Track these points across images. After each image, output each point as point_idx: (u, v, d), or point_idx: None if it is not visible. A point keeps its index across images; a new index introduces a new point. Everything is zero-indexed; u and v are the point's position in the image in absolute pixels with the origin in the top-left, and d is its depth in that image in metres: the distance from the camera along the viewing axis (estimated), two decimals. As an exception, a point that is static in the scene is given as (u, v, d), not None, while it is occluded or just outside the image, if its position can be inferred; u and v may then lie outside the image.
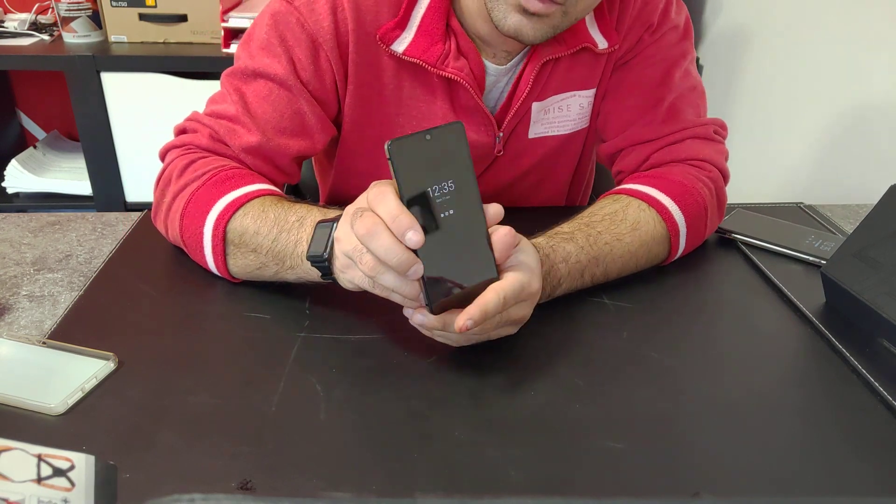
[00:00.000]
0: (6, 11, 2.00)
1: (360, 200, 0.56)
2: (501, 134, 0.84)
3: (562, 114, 0.86)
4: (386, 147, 0.52)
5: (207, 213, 0.69)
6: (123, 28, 1.81)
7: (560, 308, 0.68)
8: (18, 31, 1.88)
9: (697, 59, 1.74)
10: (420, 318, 0.57)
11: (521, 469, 0.51)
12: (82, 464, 0.35)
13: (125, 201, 1.89)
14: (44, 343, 0.61)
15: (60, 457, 0.34)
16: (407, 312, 0.58)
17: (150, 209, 0.78)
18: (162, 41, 1.82)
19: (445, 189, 0.54)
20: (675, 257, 0.78)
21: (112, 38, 1.83)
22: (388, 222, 0.52)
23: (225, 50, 1.74)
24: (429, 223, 0.53)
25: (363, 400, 0.57)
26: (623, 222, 0.73)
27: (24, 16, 1.95)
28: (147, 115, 1.77)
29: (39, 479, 0.33)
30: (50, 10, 1.95)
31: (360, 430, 0.54)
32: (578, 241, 0.69)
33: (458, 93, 0.79)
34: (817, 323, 0.68)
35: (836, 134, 1.23)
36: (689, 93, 0.84)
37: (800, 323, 0.69)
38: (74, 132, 2.05)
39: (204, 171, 0.71)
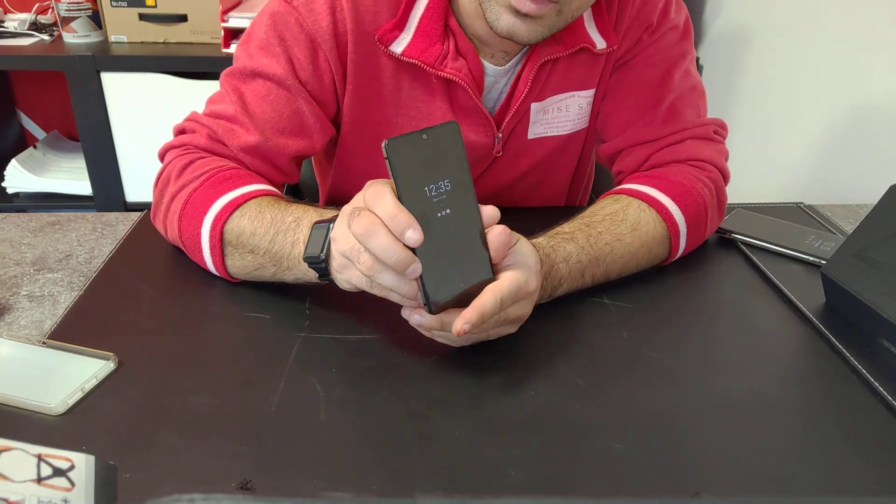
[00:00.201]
0: (6, 11, 2.00)
1: (357, 200, 0.56)
2: (500, 135, 0.84)
3: (561, 114, 0.86)
4: (383, 146, 0.52)
5: (205, 214, 0.69)
6: (123, 28, 1.81)
7: (560, 308, 0.68)
8: (18, 31, 1.88)
9: (697, 59, 1.74)
10: (418, 318, 0.57)
11: (521, 469, 0.51)
12: (82, 464, 0.35)
13: (125, 201, 1.89)
14: (44, 343, 0.61)
15: (60, 457, 0.34)
16: (405, 313, 0.58)
17: (149, 209, 0.78)
18: (162, 41, 1.82)
19: (442, 188, 0.54)
20: (676, 257, 0.78)
21: (112, 38, 1.83)
22: (387, 221, 0.52)
23: (225, 50, 1.74)
24: (426, 223, 0.52)
25: (363, 400, 0.57)
26: (623, 222, 0.73)
27: (24, 16, 1.95)
28: (147, 115, 1.77)
29: (39, 479, 0.33)
30: (50, 10, 1.95)
31: (360, 430, 0.54)
32: (579, 242, 0.69)
33: (457, 93, 0.79)
34: (817, 323, 0.68)
35: (836, 134, 1.23)
36: (689, 93, 0.84)
37: (800, 323, 0.69)
38: (74, 132, 2.05)
39: (202, 172, 0.71)
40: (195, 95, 1.73)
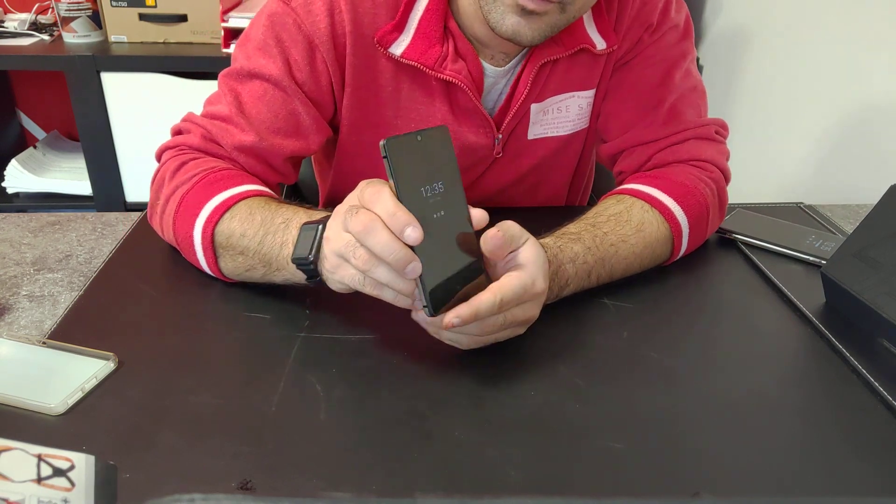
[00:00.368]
0: (6, 11, 2.00)
1: (351, 199, 0.56)
2: (500, 136, 0.84)
3: (561, 115, 0.85)
4: (381, 145, 0.51)
5: (196, 216, 0.69)
6: (123, 28, 1.81)
7: (560, 308, 0.68)
8: (18, 31, 1.88)
9: (697, 59, 1.74)
10: (424, 316, 0.57)
11: (521, 469, 0.51)
12: (82, 464, 0.35)
13: (125, 201, 1.89)
14: (44, 343, 0.61)
15: (60, 457, 0.34)
16: (416, 316, 0.57)
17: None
18: (162, 41, 1.82)
19: (437, 190, 0.54)
20: (677, 257, 0.78)
21: (112, 38, 1.83)
22: (386, 219, 0.52)
23: (225, 50, 1.74)
24: (423, 223, 0.52)
25: (363, 400, 0.57)
26: (628, 223, 0.73)
27: (24, 16, 1.95)
28: (147, 115, 1.77)
29: (39, 479, 0.33)
30: (50, 10, 1.95)
31: (360, 430, 0.54)
32: (586, 242, 0.69)
33: (457, 95, 0.79)
34: (817, 323, 0.68)
35: (836, 134, 1.23)
36: (690, 93, 0.84)
37: (800, 323, 0.69)
38: (74, 132, 2.05)
39: (194, 174, 0.71)
40: (195, 95, 1.73)
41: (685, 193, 0.77)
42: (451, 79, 0.76)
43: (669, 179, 0.78)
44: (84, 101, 1.76)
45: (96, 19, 1.83)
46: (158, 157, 0.78)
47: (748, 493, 0.50)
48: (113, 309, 0.68)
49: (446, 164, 0.55)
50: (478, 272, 0.56)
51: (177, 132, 0.78)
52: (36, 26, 1.93)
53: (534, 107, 0.83)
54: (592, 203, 0.80)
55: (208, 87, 1.74)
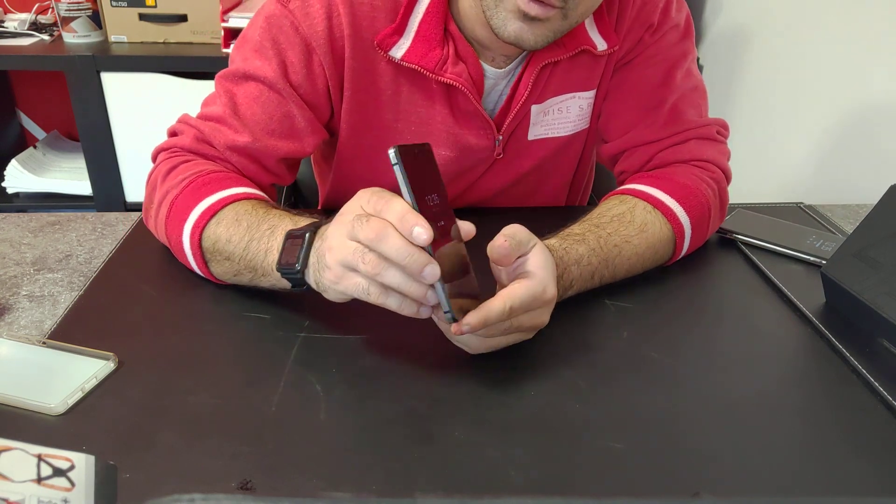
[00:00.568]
0: (6, 11, 2.00)
1: (353, 208, 0.55)
2: (501, 137, 0.83)
3: (561, 115, 0.85)
4: (392, 152, 0.52)
5: (185, 221, 0.69)
6: (123, 28, 1.81)
7: (561, 309, 0.68)
8: (18, 31, 1.88)
9: (697, 59, 1.74)
10: (430, 313, 0.56)
11: (521, 469, 0.51)
12: (82, 464, 0.35)
13: (125, 201, 1.89)
14: (44, 343, 0.61)
15: (60, 457, 0.34)
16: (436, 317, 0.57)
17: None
18: (162, 41, 1.82)
19: (435, 200, 0.54)
20: (678, 258, 0.78)
21: (112, 38, 1.83)
22: (397, 223, 0.51)
23: (225, 50, 1.74)
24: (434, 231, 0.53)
25: (363, 400, 0.57)
26: (631, 224, 0.73)
27: (24, 16, 1.95)
28: (147, 115, 1.77)
29: (39, 479, 0.33)
30: (50, 10, 1.95)
31: (360, 430, 0.54)
32: (590, 243, 0.69)
33: (457, 98, 0.79)
34: (817, 323, 0.68)
35: (836, 134, 1.23)
36: (691, 93, 0.84)
37: (800, 323, 0.69)
38: (74, 132, 2.05)
39: (184, 177, 0.71)
40: (195, 95, 1.73)
41: (687, 194, 0.77)
42: (451, 82, 0.76)
43: (672, 180, 0.78)
44: (84, 101, 1.76)
45: (96, 19, 1.83)
46: (154, 159, 0.78)
47: (748, 493, 0.50)
48: (113, 309, 0.68)
49: (437, 176, 0.56)
50: (473, 283, 0.57)
51: (171, 133, 0.79)
52: (36, 26, 1.93)
53: (534, 108, 0.83)
54: (592, 203, 0.80)
55: (208, 87, 1.73)
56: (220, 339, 0.65)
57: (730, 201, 0.83)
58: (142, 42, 1.82)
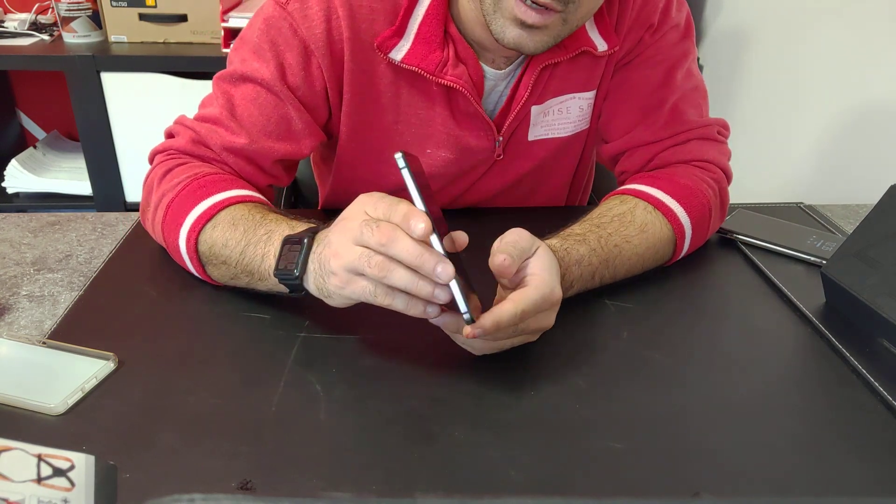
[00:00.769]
0: (6, 11, 1.99)
1: (355, 213, 0.55)
2: (501, 138, 0.83)
3: (561, 116, 0.85)
4: (399, 156, 0.52)
5: (181, 225, 0.69)
6: (123, 28, 1.81)
7: (561, 309, 0.68)
8: (18, 31, 1.88)
9: (698, 59, 1.74)
10: (444, 318, 0.56)
11: (521, 469, 0.51)
12: (82, 464, 0.35)
13: (125, 201, 1.89)
14: (44, 343, 0.61)
15: (60, 457, 0.34)
16: (436, 319, 0.57)
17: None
18: (162, 41, 1.82)
19: (434, 208, 0.55)
20: (678, 258, 0.78)
21: (112, 38, 1.83)
22: (404, 224, 0.52)
23: (225, 50, 1.74)
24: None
25: (363, 400, 0.57)
26: (631, 224, 0.73)
27: (24, 16, 1.95)
28: (147, 115, 1.77)
29: (39, 479, 0.33)
30: (50, 10, 1.95)
31: (360, 430, 0.54)
32: (591, 243, 0.69)
33: (457, 99, 0.79)
34: (817, 323, 0.68)
35: (836, 134, 1.23)
36: (692, 93, 0.84)
37: (800, 323, 0.69)
38: (74, 132, 2.05)
39: (179, 180, 0.71)
40: (195, 95, 1.71)
41: (688, 195, 0.77)
42: (452, 84, 0.76)
43: (672, 180, 0.78)
44: (84, 101, 1.75)
45: (96, 19, 1.82)
46: (150, 161, 0.78)
47: (748, 493, 0.50)
48: (113, 309, 0.68)
49: (429, 188, 0.57)
50: (471, 290, 0.57)
51: (168, 135, 0.79)
52: (36, 26, 1.93)
53: (534, 109, 0.83)
54: (592, 203, 0.80)
55: (208, 87, 1.73)
56: (220, 339, 0.65)
57: (730, 201, 0.83)
58: (142, 42, 1.82)
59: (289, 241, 0.61)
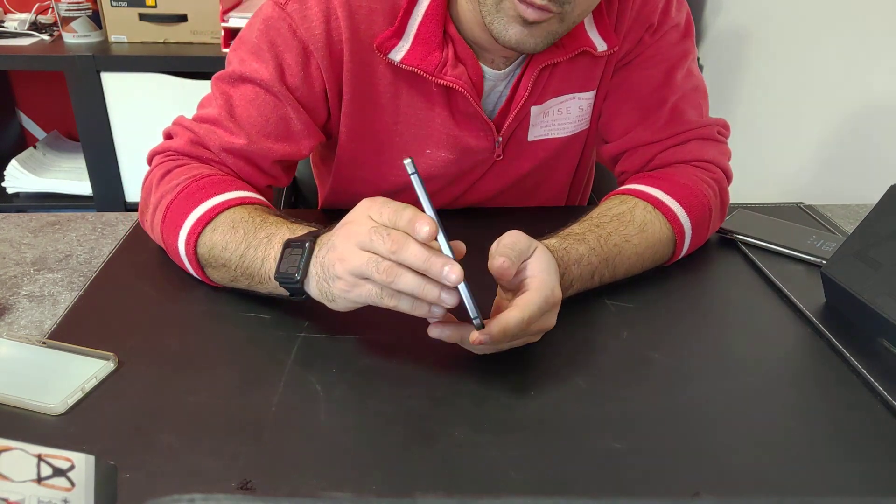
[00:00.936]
0: (6, 11, 1.99)
1: (359, 218, 0.56)
2: (500, 138, 0.83)
3: (561, 116, 0.85)
4: (409, 162, 0.53)
5: (180, 227, 0.69)
6: (123, 28, 1.81)
7: (561, 308, 0.68)
8: (18, 31, 1.88)
9: (698, 59, 1.74)
10: (438, 331, 0.57)
11: (521, 469, 0.51)
12: (82, 464, 0.35)
13: (125, 201, 1.89)
14: (44, 343, 0.61)
15: (60, 457, 0.34)
16: (433, 331, 0.57)
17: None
18: (162, 41, 1.82)
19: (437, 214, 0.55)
20: (678, 258, 0.78)
21: (112, 38, 1.83)
22: (411, 229, 0.52)
23: (225, 50, 1.74)
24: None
25: (363, 400, 0.57)
26: (631, 224, 0.73)
27: (24, 16, 1.95)
28: (147, 115, 1.77)
29: (39, 479, 0.33)
30: (50, 10, 1.95)
31: (360, 430, 0.54)
32: (590, 243, 0.69)
33: (457, 100, 0.79)
34: (817, 323, 0.68)
35: (836, 134, 1.23)
36: (692, 93, 0.84)
37: (800, 323, 0.69)
38: (74, 132, 2.05)
39: (178, 182, 0.71)
40: (195, 95, 1.71)
41: (688, 195, 0.77)
42: (451, 84, 0.76)
43: (672, 181, 0.78)
44: (84, 101, 1.75)
45: (96, 19, 1.82)
46: (149, 162, 0.78)
47: (748, 493, 0.50)
48: (113, 309, 0.68)
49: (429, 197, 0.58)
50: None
51: (166, 136, 0.79)
52: (36, 26, 1.93)
53: (534, 109, 0.83)
54: (592, 203, 0.80)
55: (208, 87, 1.74)
56: (220, 339, 0.65)
57: (730, 201, 0.83)
58: (142, 42, 1.82)
59: (290, 245, 0.61)
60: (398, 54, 0.75)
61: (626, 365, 0.62)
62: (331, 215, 0.88)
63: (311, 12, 0.73)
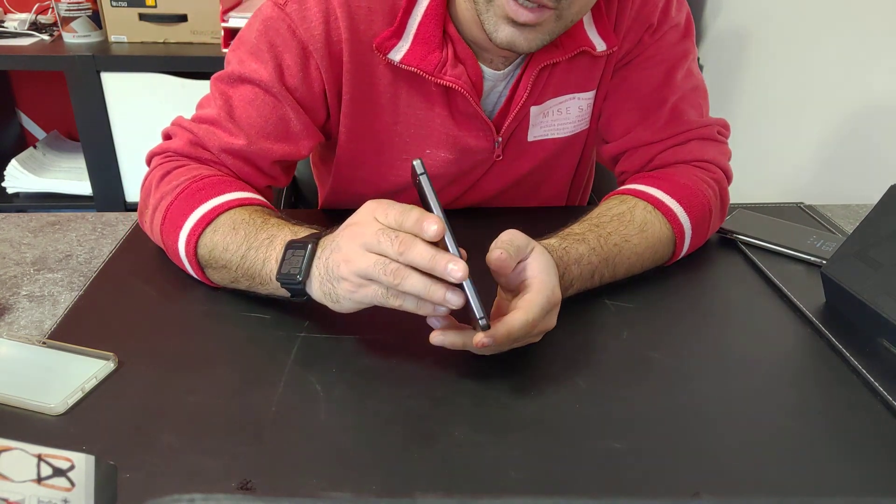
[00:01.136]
0: (6, 11, 2.00)
1: (364, 219, 0.55)
2: (500, 139, 0.83)
3: (561, 116, 0.85)
4: (418, 163, 0.53)
5: (180, 229, 0.69)
6: (123, 28, 1.81)
7: (560, 308, 0.68)
8: (18, 31, 1.88)
9: (698, 59, 1.74)
10: (440, 338, 0.57)
11: (521, 469, 0.51)
12: (82, 464, 0.35)
13: (125, 201, 1.89)
14: (44, 343, 0.61)
15: (60, 457, 0.34)
16: (436, 339, 0.57)
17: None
18: (162, 41, 1.82)
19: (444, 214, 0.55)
20: (678, 258, 0.78)
21: (112, 38, 1.83)
22: (417, 229, 0.52)
23: (224, 50, 1.74)
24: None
25: (363, 400, 0.57)
26: (631, 224, 0.73)
27: (24, 16, 1.95)
28: (147, 115, 1.77)
29: (39, 479, 0.33)
30: (50, 10, 1.95)
31: (360, 430, 0.54)
32: (590, 243, 0.69)
33: (456, 100, 0.79)
34: (817, 323, 0.68)
35: (836, 134, 1.23)
36: (692, 93, 0.83)
37: (800, 323, 0.69)
38: (74, 132, 2.05)
39: (177, 183, 0.71)
40: (195, 95, 1.71)
41: (688, 195, 0.77)
42: (451, 84, 0.76)
43: (672, 181, 0.78)
44: (84, 101, 1.76)
45: (96, 19, 1.82)
46: (148, 163, 0.78)
47: (748, 493, 0.50)
48: (113, 309, 0.68)
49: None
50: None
51: (165, 136, 0.79)
52: (36, 26, 1.93)
53: (533, 109, 0.83)
54: (592, 203, 0.80)
55: (208, 87, 1.74)
56: (220, 338, 0.65)
57: (730, 201, 0.83)
58: (142, 42, 1.82)
59: (292, 246, 0.61)
60: (398, 54, 0.75)
61: (626, 365, 0.62)
62: (331, 215, 0.88)
63: (310, 12, 0.73)
